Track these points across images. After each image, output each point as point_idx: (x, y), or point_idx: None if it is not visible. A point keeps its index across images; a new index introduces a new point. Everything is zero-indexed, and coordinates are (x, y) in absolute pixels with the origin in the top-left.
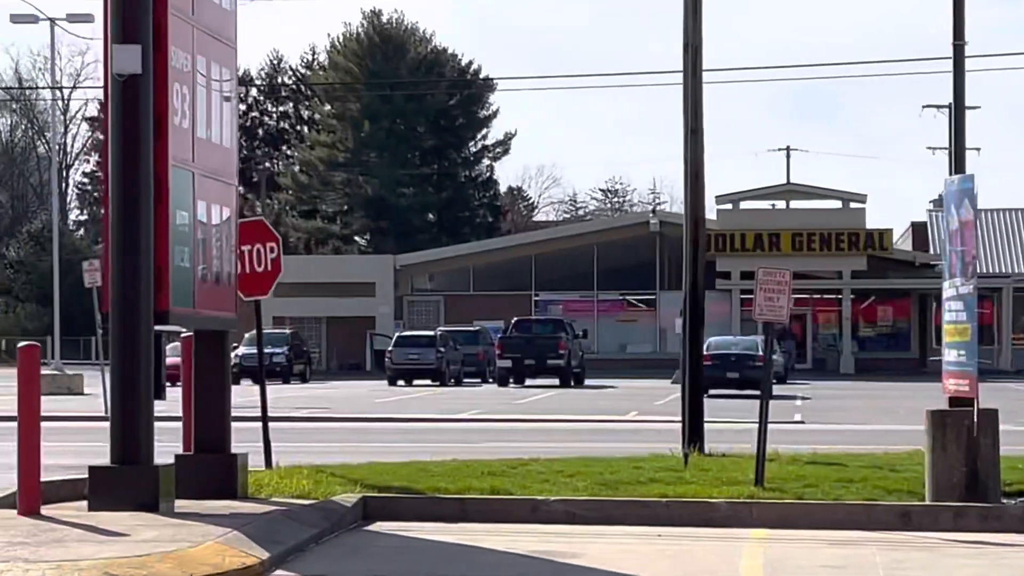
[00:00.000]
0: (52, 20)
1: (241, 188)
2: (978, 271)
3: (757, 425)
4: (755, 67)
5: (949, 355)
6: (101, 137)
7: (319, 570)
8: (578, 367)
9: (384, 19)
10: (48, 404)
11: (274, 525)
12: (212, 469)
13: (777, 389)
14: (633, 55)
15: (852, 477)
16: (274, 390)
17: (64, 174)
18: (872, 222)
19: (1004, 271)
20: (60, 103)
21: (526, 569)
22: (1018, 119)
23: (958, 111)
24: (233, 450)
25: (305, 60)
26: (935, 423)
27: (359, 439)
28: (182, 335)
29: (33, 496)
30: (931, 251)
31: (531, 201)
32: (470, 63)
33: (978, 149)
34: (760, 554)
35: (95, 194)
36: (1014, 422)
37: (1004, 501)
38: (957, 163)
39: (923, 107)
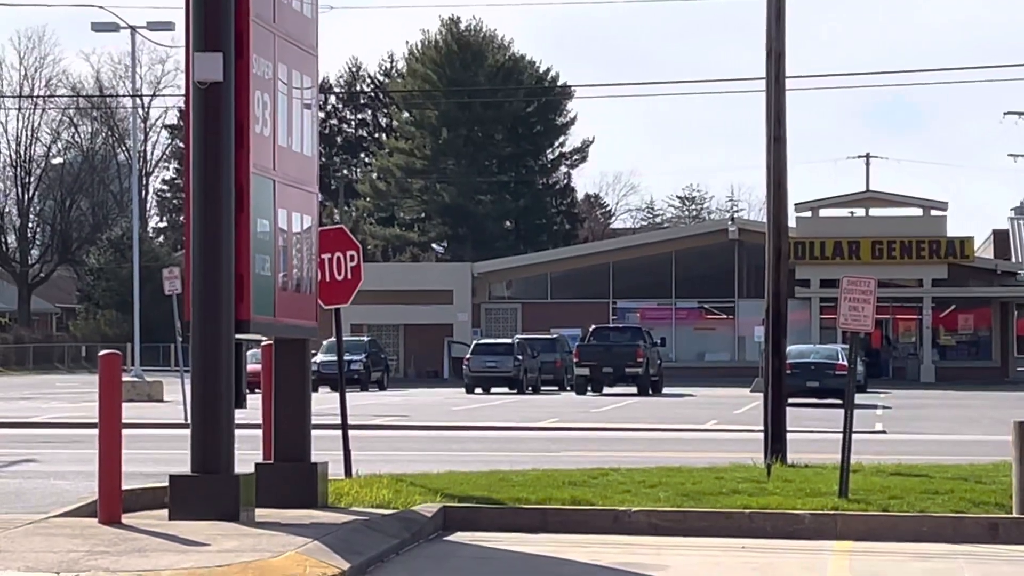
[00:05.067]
0: (133, 28)
1: (320, 196)
2: None
3: (840, 435)
4: (835, 74)
5: None
6: (181, 145)
7: None
8: (656, 375)
9: (462, 27)
10: (128, 411)
11: (354, 535)
12: (292, 478)
13: (857, 398)
14: (709, 61)
15: (938, 489)
16: (352, 398)
17: (144, 181)
18: (953, 230)
19: None
20: (140, 111)
21: None
22: None
23: None
24: (313, 459)
25: (384, 67)
26: (1022, 434)
27: (437, 447)
28: (263, 343)
29: (114, 504)
30: (1013, 259)
31: (608, 208)
32: (547, 70)
33: None
34: (846, 567)
35: (175, 201)
36: None
37: None
38: None
39: (1004, 114)
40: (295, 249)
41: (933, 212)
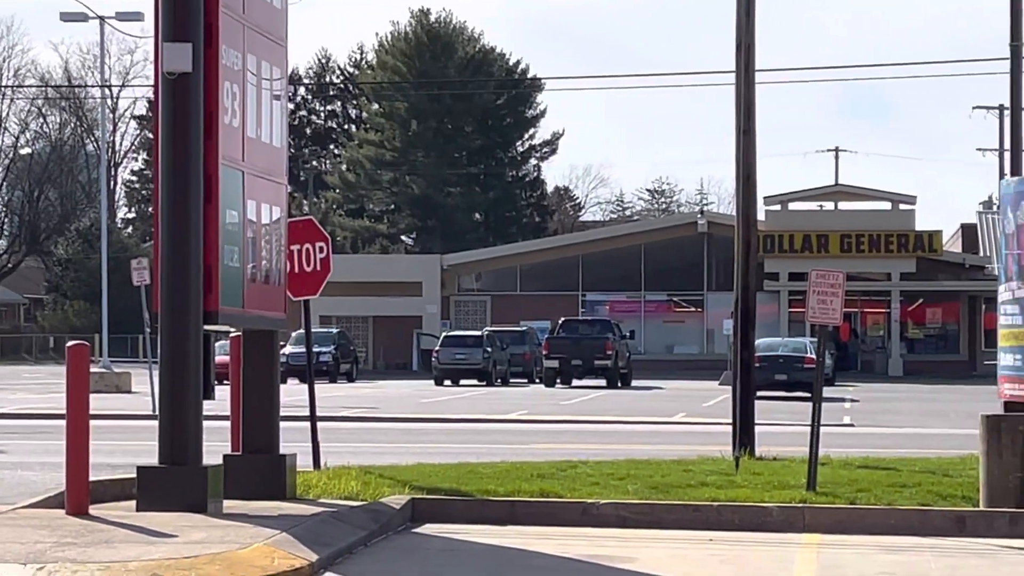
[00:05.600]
0: (102, 18)
1: (289, 187)
2: None
3: (808, 428)
4: (805, 67)
5: (1005, 359)
6: (150, 136)
7: (368, 573)
8: (625, 368)
9: (432, 18)
10: (96, 402)
11: (323, 527)
12: (260, 469)
13: (825, 391)
14: (680, 54)
15: (905, 482)
16: (321, 389)
17: (112, 172)
18: (921, 224)
19: None
20: (109, 101)
21: (581, 573)
22: None
23: (1014, 112)
24: (281, 450)
25: (353, 59)
26: (990, 428)
27: (406, 440)
28: (231, 334)
29: (81, 496)
30: (981, 253)
31: (578, 201)
32: (518, 62)
33: None
34: (814, 560)
35: (143, 192)
36: None
37: None
38: (1013, 165)
39: (973, 108)
40: (264, 240)
41: (902, 206)
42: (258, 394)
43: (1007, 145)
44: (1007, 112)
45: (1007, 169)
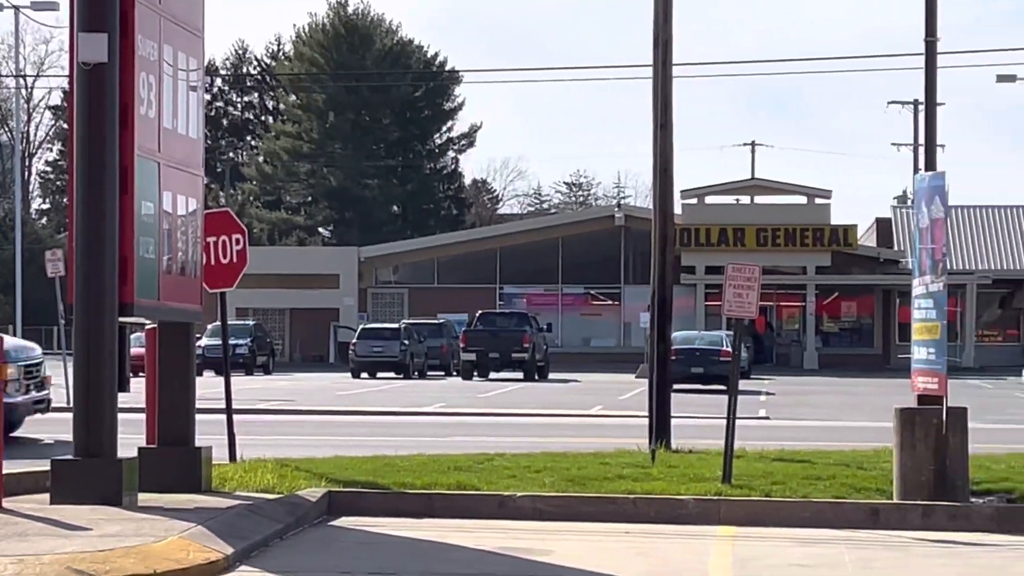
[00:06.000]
0: (16, 8)
1: (206, 179)
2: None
3: (724, 421)
4: (722, 62)
5: (918, 353)
6: (65, 126)
7: (284, 566)
8: (542, 361)
9: (350, 10)
10: None
11: (238, 520)
12: (176, 462)
13: (741, 384)
14: (599, 48)
15: (820, 474)
16: (237, 382)
17: (27, 163)
18: (837, 218)
19: (968, 268)
20: (23, 92)
21: (496, 567)
22: (980, 116)
23: (929, 108)
24: (197, 443)
25: (271, 50)
26: (904, 421)
27: (323, 432)
28: (146, 326)
29: None
30: (895, 247)
31: (496, 194)
32: (436, 55)
33: (943, 146)
34: (729, 552)
35: (58, 183)
36: (980, 420)
37: (973, 500)
38: (928, 160)
39: (888, 103)
40: (180, 232)
41: (817, 200)
42: (173, 386)
43: (921, 140)
44: (921, 107)
45: (921, 164)
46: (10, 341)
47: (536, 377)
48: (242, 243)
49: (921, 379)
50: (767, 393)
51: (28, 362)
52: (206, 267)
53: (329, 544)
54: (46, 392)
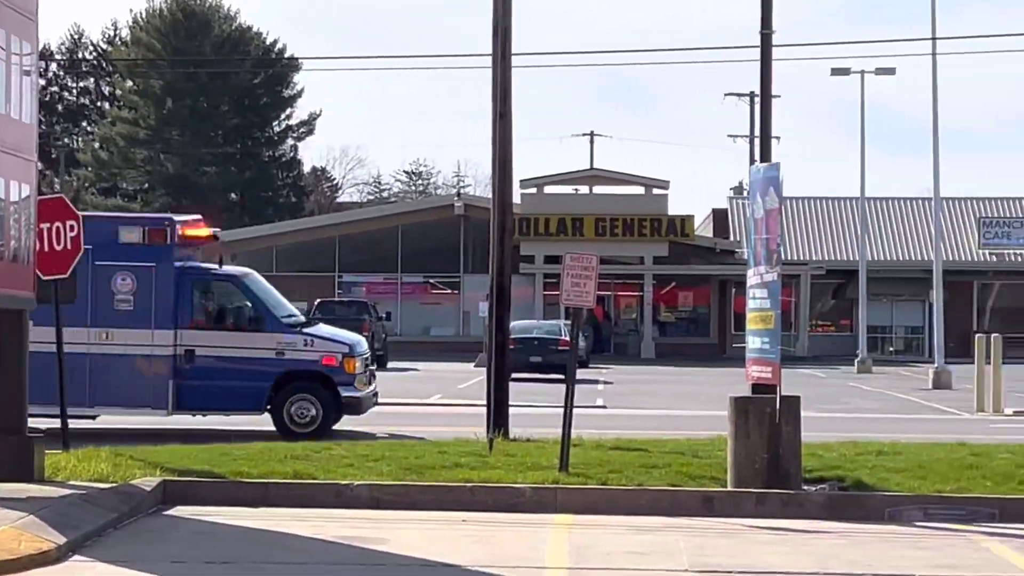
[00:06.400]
0: None
1: (40, 164)
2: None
3: (562, 410)
4: (562, 52)
5: (753, 342)
6: None
7: (117, 555)
8: (381, 350)
9: None
10: None
11: (71, 509)
12: (7, 451)
13: (579, 373)
14: (440, 37)
15: (656, 463)
16: None
17: None
18: (674, 208)
19: (802, 258)
20: None
21: (334, 555)
22: (816, 109)
23: (764, 100)
24: (28, 431)
25: (107, 35)
26: (738, 410)
27: (161, 421)
28: None
29: None
30: (732, 238)
31: (335, 182)
32: (275, 42)
33: (778, 138)
34: (565, 540)
35: None
36: (813, 408)
37: (805, 488)
38: (763, 152)
39: (725, 95)
40: (12, 219)
41: (655, 190)
42: (6, 374)
43: (757, 132)
44: (758, 99)
45: (757, 155)
46: (351, 336)
47: (375, 366)
48: (77, 230)
49: (755, 368)
50: (605, 382)
51: (365, 355)
52: (39, 254)
53: (164, 533)
54: (375, 384)
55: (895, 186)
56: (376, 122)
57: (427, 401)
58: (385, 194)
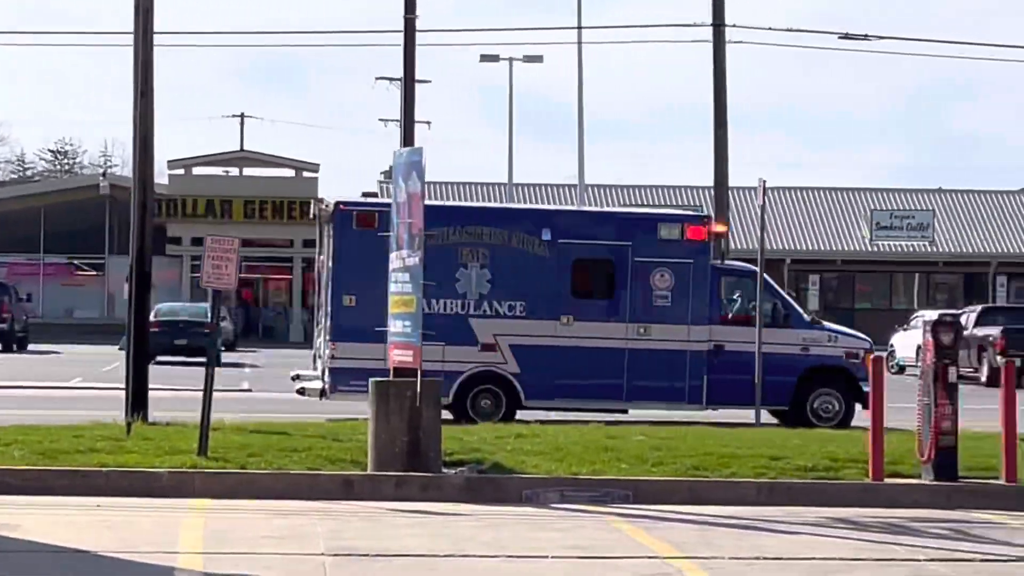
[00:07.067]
0: None
1: None
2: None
3: (202, 393)
4: (210, 32)
5: (395, 326)
6: None
7: None
8: (22, 331)
9: None
10: None
11: None
12: None
13: (227, 356)
14: (88, 13)
15: (297, 447)
16: None
17: None
18: (327, 191)
19: None
20: None
21: None
22: (466, 95)
23: (408, 85)
24: None
25: None
26: (379, 393)
27: None
28: None
29: None
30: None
31: None
32: None
33: (429, 123)
34: (202, 525)
35: None
36: None
37: (445, 470)
38: (406, 136)
39: (376, 79)
40: None
41: (306, 173)
42: None
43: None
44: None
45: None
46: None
47: (15, 348)
48: None
49: (397, 352)
50: (252, 365)
51: None
52: None
53: None
54: None
55: (545, 173)
56: (19, 99)
57: (67, 384)
58: (29, 173)
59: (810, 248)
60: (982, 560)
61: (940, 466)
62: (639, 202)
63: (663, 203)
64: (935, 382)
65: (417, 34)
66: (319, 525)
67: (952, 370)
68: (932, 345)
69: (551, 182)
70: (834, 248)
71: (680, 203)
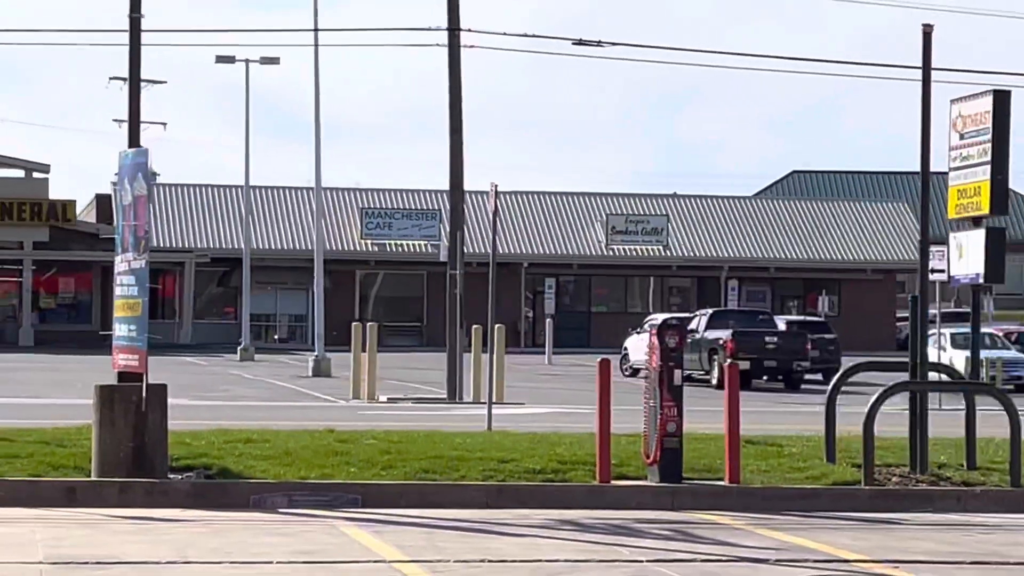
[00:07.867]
0: None
1: None
2: (158, 245)
3: None
4: None
5: (120, 330)
6: None
7: None
8: None
9: None
10: None
11: None
12: None
13: None
14: None
15: (18, 452)
16: None
17: None
18: (58, 193)
19: (187, 246)
20: None
21: None
22: (203, 96)
23: (133, 85)
24: None
25: None
26: (103, 398)
27: None
28: None
29: None
30: (115, 224)
31: None
32: None
33: (164, 124)
34: None
35: None
36: (188, 396)
37: (171, 476)
38: (132, 137)
39: (110, 79)
40: None
41: (35, 174)
42: None
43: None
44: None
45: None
46: None
47: None
48: None
49: (122, 356)
50: None
51: None
52: None
53: None
54: None
55: (282, 175)
56: None
57: None
58: None
59: (547, 252)
60: (703, 560)
61: (665, 468)
62: (378, 206)
63: (401, 206)
64: (660, 384)
65: (145, 33)
66: (39, 533)
67: (677, 372)
68: (658, 348)
69: (291, 184)
70: (570, 252)
71: (418, 207)
